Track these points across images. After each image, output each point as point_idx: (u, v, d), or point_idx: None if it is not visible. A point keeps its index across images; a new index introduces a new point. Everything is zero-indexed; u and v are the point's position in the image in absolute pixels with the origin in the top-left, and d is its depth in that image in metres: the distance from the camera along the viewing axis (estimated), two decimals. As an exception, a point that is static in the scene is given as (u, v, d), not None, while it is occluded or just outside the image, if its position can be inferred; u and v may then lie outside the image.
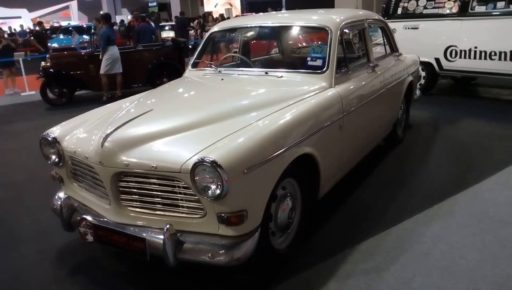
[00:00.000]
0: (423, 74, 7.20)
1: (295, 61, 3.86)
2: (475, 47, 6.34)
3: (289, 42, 4.22)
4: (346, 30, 3.45)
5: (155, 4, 38.14)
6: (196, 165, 2.06)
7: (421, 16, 7.02)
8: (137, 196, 2.35)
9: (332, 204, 3.35)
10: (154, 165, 2.19)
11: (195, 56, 3.83)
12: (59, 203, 2.70)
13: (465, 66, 6.55)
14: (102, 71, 8.23)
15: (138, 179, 2.29)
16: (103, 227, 2.42)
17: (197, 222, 2.23)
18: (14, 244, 3.10)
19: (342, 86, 3.14)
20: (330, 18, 3.38)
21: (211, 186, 2.07)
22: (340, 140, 3.08)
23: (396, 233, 2.93)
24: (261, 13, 4.79)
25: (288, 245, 2.66)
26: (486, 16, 6.22)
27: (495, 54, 6.14)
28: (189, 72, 3.73)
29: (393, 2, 7.43)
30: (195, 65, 3.76)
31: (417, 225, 3.02)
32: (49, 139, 2.72)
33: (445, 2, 6.69)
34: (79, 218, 2.52)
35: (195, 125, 2.45)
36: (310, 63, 3.22)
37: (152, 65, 8.92)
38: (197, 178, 2.08)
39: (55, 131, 2.78)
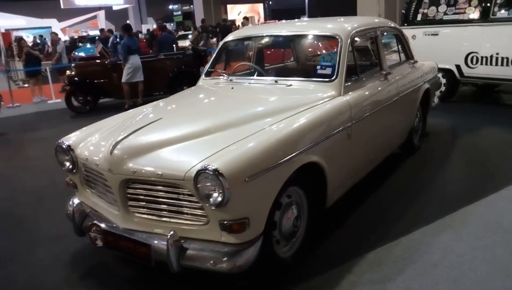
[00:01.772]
0: (443, 81, 7.08)
1: (306, 69, 3.87)
2: (497, 54, 6.20)
3: (301, 51, 4.25)
4: (357, 38, 3.45)
5: (179, 13, 38.77)
6: (199, 173, 2.10)
7: (441, 22, 6.92)
8: (144, 203, 2.41)
9: (342, 212, 3.33)
10: (160, 173, 2.25)
11: (208, 65, 3.90)
12: (71, 208, 2.79)
13: (486, 72, 6.41)
14: (123, 79, 8.44)
15: (145, 186, 2.36)
16: (111, 233, 2.49)
17: (201, 229, 2.27)
18: (32, 247, 3.21)
19: (352, 94, 3.14)
20: (340, 27, 3.39)
21: (213, 193, 2.11)
22: (349, 149, 3.07)
23: (406, 243, 2.89)
24: (278, 21, 4.82)
25: (293, 253, 2.67)
26: (507, 21, 6.08)
27: (518, 61, 5.99)
28: (203, 80, 3.80)
29: (412, 9, 7.35)
30: (208, 74, 3.82)
31: (428, 236, 2.97)
32: (64, 146, 2.82)
33: (465, 8, 6.57)
34: (90, 223, 2.61)
35: (202, 133, 2.50)
36: (319, 71, 3.24)
37: (173, 73, 9.09)
38: (199, 185, 2.12)
39: (69, 139, 2.88)
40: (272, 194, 2.32)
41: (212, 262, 2.18)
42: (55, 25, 39.65)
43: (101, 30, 15.41)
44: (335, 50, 3.24)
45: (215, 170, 2.05)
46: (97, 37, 13.93)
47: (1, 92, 10.12)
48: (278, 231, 2.54)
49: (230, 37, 3.92)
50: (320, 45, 3.92)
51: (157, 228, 2.38)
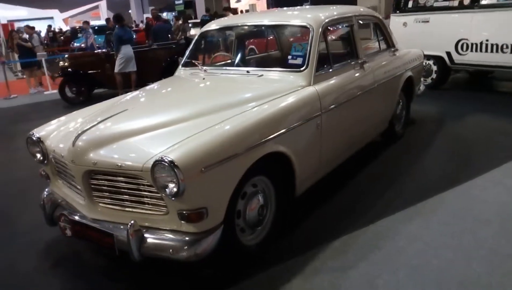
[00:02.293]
0: (435, 68, 7.05)
1: (279, 59, 3.87)
2: (487, 40, 6.15)
3: (276, 41, 4.23)
4: (331, 28, 3.43)
5: (181, 1, 38.52)
6: (155, 164, 2.13)
7: (432, 9, 6.86)
8: (107, 193, 2.44)
9: (315, 200, 3.36)
10: (119, 164, 2.28)
11: (185, 55, 3.91)
12: (42, 199, 2.84)
13: (477, 59, 6.36)
14: (116, 70, 8.46)
15: (107, 177, 2.39)
16: (79, 223, 2.53)
17: (162, 219, 2.30)
18: (8, 237, 3.27)
19: (322, 84, 3.14)
20: (313, 16, 3.37)
21: (169, 184, 2.14)
22: (319, 139, 3.08)
23: (374, 230, 2.92)
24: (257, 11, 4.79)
25: (259, 241, 2.71)
26: (497, 8, 6.03)
27: (507, 47, 5.94)
28: (179, 71, 3.82)
29: (404, -5, 7.28)
30: (185, 64, 3.84)
31: (397, 223, 3.00)
32: (34, 138, 2.86)
33: (455, -6, 6.51)
34: (59, 213, 2.65)
35: (165, 124, 2.52)
36: (290, 61, 3.24)
37: (166, 63, 9.09)
38: (156, 176, 2.15)
39: (40, 131, 2.92)
40: (231, 184, 2.34)
41: (171, 250, 2.21)
42: (57, 16, 39.70)
43: (107, 20, 15.51)
44: (307, 39, 3.24)
45: (171, 162, 2.08)
46: (86, 29, 13.86)
47: (-2, 83, 10.25)
48: (243, 219, 2.57)
49: (206, 28, 3.92)
50: (295, 35, 3.90)
51: (120, 218, 2.41)
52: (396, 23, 7.36)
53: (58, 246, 3.04)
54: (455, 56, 6.60)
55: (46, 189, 3.01)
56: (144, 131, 2.49)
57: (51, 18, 37.67)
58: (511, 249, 2.62)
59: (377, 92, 3.84)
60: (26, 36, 11.13)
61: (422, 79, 7.11)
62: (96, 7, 41.74)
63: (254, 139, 2.45)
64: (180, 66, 3.85)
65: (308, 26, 3.26)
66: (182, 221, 2.22)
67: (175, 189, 2.12)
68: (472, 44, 6.34)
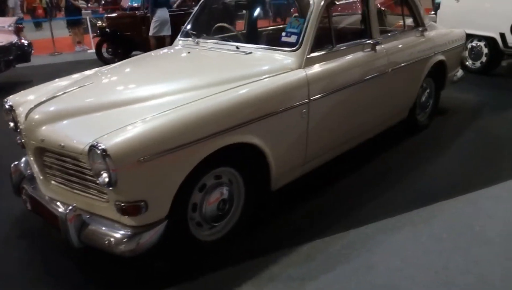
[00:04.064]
0: (485, 50, 6.28)
1: (275, 35, 3.50)
2: (548, 22, 5.34)
3: (276, 15, 3.84)
4: (336, 1, 3.03)
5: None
6: (90, 149, 1.97)
7: (489, -19, 6.05)
8: (58, 173, 2.33)
9: (296, 196, 3.07)
10: (63, 144, 2.14)
11: (185, 24, 3.66)
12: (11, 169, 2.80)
13: (534, 44, 5.57)
14: (150, 33, 8.35)
15: (56, 156, 2.27)
16: (34, 198, 2.46)
17: (104, 206, 2.16)
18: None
19: (316, 67, 2.80)
20: (316, -13, 2.97)
21: (102, 173, 1.97)
22: (305, 130, 2.76)
23: (352, 237, 2.61)
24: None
25: (220, 238, 2.51)
26: None
27: None
28: (177, 41, 3.59)
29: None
30: (183, 34, 3.59)
31: (382, 232, 2.67)
32: (6, 106, 2.79)
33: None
34: (22, 185, 2.60)
35: (122, 103, 2.34)
36: (284, 38, 2.90)
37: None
38: (92, 162, 1.99)
39: (13, 98, 2.83)
40: (179, 176, 2.13)
41: (106, 242, 2.08)
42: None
43: None
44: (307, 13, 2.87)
45: (103, 150, 1.90)
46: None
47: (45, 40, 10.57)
48: (199, 213, 2.37)
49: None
50: (296, 8, 3.50)
51: (70, 200, 2.30)
52: (448, -2, 6.60)
53: (25, 217, 3.00)
54: (509, 38, 5.81)
55: (24, 158, 2.96)
56: (100, 109, 2.32)
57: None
58: (506, 280, 2.23)
59: (390, 78, 3.41)
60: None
61: (469, 62, 6.42)
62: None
63: (210, 128, 2.19)
64: (179, 36, 3.61)
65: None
66: (119, 213, 2.07)
67: (106, 179, 1.95)
68: (531, 26, 5.54)
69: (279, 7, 4.95)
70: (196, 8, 3.69)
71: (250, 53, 2.92)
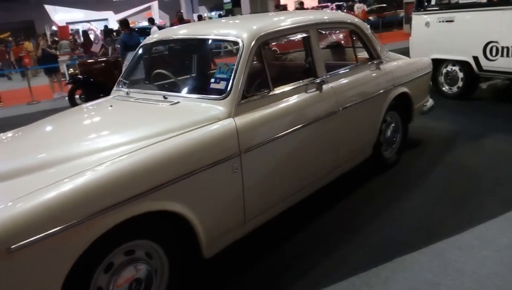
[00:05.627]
0: (460, 75, 6.05)
1: (203, 83, 3.23)
2: (520, 43, 5.11)
3: (204, 59, 3.55)
4: (271, 41, 2.78)
5: (229, 0, 38.39)
6: None
7: (457, 6, 5.87)
8: None
9: (238, 258, 2.73)
10: None
11: (122, 73, 3.42)
12: None
13: (508, 66, 5.31)
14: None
15: None
16: None
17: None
18: None
19: (248, 115, 2.50)
20: (245, 28, 2.73)
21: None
22: (239, 186, 2.44)
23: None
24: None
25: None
26: (532, 4, 4.97)
27: (545, 52, 4.87)
28: (113, 91, 3.33)
29: (426, -9, 6.33)
30: (119, 84, 3.34)
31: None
32: None
33: (484, -11, 5.50)
34: None
35: (8, 175, 2.02)
36: (213, 85, 2.62)
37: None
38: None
39: None
40: (65, 262, 1.77)
41: None
42: (112, 17, 41.11)
43: (149, 20, 15.77)
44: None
45: (-37, 238, 1.58)
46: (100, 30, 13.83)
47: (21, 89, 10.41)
48: (107, 297, 2.02)
49: (143, 42, 3.40)
50: (227, 52, 3.26)
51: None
52: (418, 23, 6.43)
53: None
54: (483, 61, 5.57)
55: None
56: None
57: (106, 19, 39.14)
58: None
59: (342, 117, 3.11)
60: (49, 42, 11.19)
61: (446, 88, 6.19)
62: (149, 7, 42.70)
63: (110, 199, 1.86)
64: (115, 87, 3.35)
65: (238, 41, 2.63)
66: (-5, 310, 1.72)
67: (-33, 275, 1.62)
68: (503, 48, 5.30)
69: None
70: (133, 56, 3.45)
71: (177, 103, 2.64)
